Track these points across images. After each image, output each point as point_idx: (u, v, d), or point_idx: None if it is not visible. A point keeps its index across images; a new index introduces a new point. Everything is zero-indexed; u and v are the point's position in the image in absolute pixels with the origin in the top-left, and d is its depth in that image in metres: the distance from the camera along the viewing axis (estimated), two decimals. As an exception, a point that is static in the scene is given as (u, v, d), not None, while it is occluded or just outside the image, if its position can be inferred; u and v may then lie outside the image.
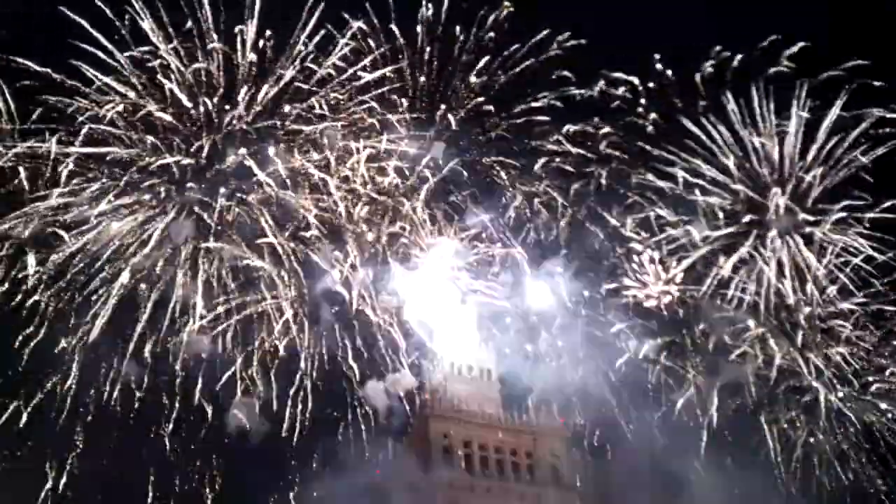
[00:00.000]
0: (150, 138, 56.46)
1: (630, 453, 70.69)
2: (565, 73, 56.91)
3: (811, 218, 57.87)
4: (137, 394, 58.25)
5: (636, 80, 56.79)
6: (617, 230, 62.08)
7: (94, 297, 56.33)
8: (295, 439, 60.65)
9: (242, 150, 57.57)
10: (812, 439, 64.92)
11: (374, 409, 66.51)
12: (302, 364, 60.09)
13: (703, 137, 58.31)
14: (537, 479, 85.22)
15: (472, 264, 64.48)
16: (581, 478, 79.23)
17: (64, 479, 57.62)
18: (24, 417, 56.24)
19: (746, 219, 58.72)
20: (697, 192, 59.91)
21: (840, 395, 62.70)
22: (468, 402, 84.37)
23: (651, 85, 57.16)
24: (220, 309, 58.52)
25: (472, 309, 67.90)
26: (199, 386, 58.52)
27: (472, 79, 57.63)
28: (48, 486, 57.38)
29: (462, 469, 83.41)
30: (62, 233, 55.95)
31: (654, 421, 67.03)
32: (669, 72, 56.28)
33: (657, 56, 55.97)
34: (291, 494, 65.43)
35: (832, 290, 59.68)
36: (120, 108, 56.19)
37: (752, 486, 68.31)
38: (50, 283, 55.83)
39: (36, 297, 55.49)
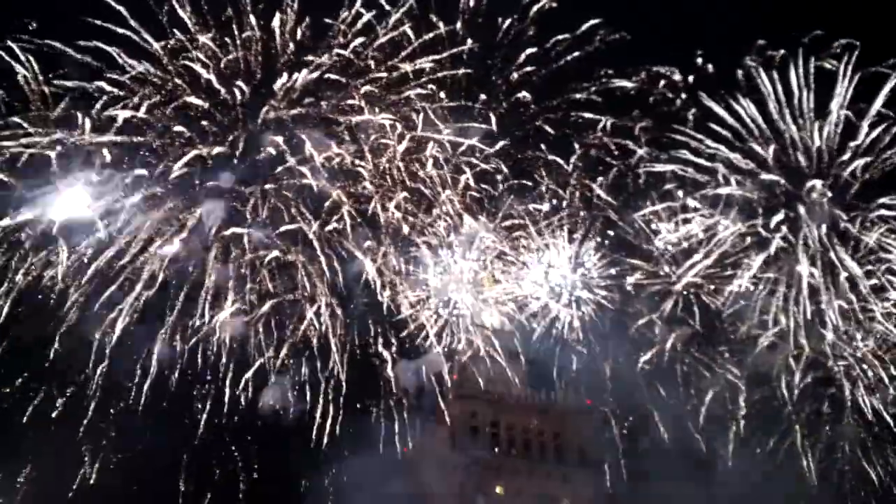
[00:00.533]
0: (182, 129, 56.27)
1: (659, 436, 71.47)
2: (606, 66, 56.45)
3: (844, 216, 57.42)
4: (173, 377, 58.79)
5: (677, 76, 56.26)
6: (651, 221, 62.01)
7: (126, 284, 56.63)
8: (328, 423, 61.17)
9: (278, 139, 57.56)
10: (835, 430, 65.81)
11: (404, 389, 67.75)
12: (333, 349, 60.68)
13: (742, 130, 57.95)
14: (564, 459, 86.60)
15: (504, 252, 64.85)
16: (609, 459, 79.72)
17: (97, 466, 58.65)
18: (58, 405, 57.05)
19: (780, 215, 58.34)
20: (734, 182, 59.75)
21: (865, 388, 63.00)
22: (496, 383, 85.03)
23: (691, 79, 56.63)
24: (253, 296, 58.90)
25: (503, 294, 68.36)
26: (232, 372, 58.97)
27: (514, 74, 57.22)
28: (82, 472, 58.43)
29: (489, 449, 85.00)
30: (96, 220, 56.10)
31: (682, 404, 67.98)
32: (710, 66, 55.68)
33: (699, 52, 55.24)
34: (326, 481, 66.34)
35: (865, 285, 59.36)
36: (156, 96, 56.24)
37: (779, 474, 69.23)
38: (81, 270, 56.09)
39: (66, 283, 55.80)
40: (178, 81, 56.70)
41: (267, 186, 58.33)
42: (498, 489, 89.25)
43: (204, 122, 57.12)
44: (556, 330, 68.98)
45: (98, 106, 55.24)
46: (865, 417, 64.46)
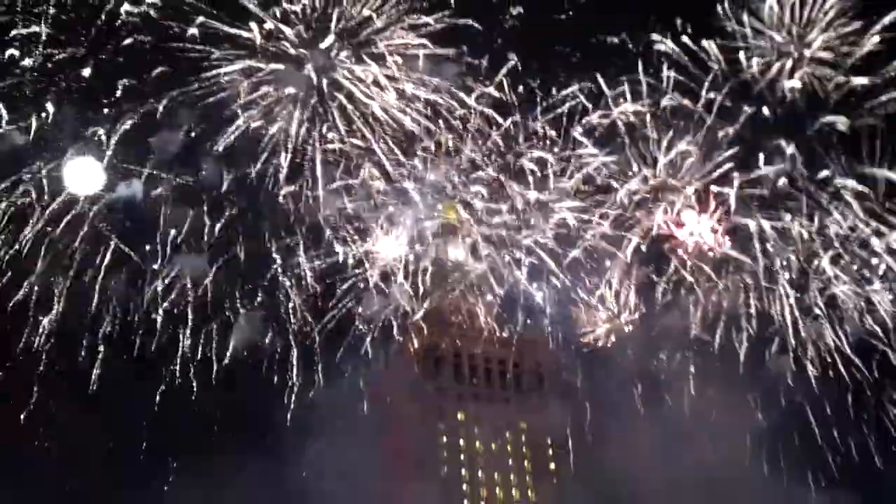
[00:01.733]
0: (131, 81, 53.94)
1: (618, 363, 73.94)
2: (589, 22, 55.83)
3: (804, 172, 58.40)
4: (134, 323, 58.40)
5: (656, 35, 55.81)
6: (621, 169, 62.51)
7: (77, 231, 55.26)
8: (297, 358, 63.14)
9: (244, 83, 55.75)
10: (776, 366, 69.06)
11: (371, 321, 69.00)
12: (293, 290, 61.44)
13: (711, 84, 57.97)
14: (523, 386, 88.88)
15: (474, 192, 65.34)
16: (567, 386, 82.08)
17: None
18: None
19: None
20: (700, 135, 60.25)
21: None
22: (459, 315, 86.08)
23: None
24: (212, 240, 58.47)
25: (471, 232, 69.02)
26: (194, 316, 59.05)
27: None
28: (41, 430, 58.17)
29: (451, 377, 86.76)
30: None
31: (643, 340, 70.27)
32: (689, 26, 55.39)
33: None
34: (295, 414, 67.48)
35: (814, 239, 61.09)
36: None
37: (730, 397, 72.76)
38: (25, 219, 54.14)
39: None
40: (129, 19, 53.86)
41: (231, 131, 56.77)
42: (459, 415, 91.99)
43: (161, 69, 54.66)
44: (524, 266, 70.37)
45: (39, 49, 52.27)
46: (801, 359, 67.27)
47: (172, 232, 57.07)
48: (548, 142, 61.96)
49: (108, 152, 53.84)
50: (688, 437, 76.19)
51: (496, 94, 58.30)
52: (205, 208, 56.94)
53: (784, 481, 76.31)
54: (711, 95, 58.32)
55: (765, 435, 72.08)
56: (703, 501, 78.55)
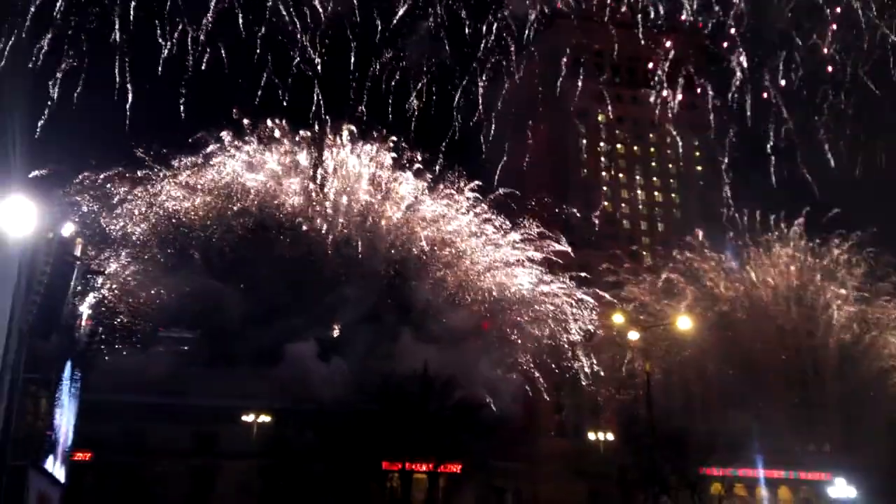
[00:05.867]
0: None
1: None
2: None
3: None
4: None
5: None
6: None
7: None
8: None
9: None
10: None
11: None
12: None
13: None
14: (668, 83, 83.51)
15: None
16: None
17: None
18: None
19: None
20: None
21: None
22: (604, 12, 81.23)
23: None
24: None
25: None
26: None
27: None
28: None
29: (593, 77, 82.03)
30: None
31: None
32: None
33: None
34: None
35: None
36: None
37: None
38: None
39: None
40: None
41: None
42: (600, 117, 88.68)
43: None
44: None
45: None
46: None
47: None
48: None
49: None
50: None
51: None
52: None
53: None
54: None
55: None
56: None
